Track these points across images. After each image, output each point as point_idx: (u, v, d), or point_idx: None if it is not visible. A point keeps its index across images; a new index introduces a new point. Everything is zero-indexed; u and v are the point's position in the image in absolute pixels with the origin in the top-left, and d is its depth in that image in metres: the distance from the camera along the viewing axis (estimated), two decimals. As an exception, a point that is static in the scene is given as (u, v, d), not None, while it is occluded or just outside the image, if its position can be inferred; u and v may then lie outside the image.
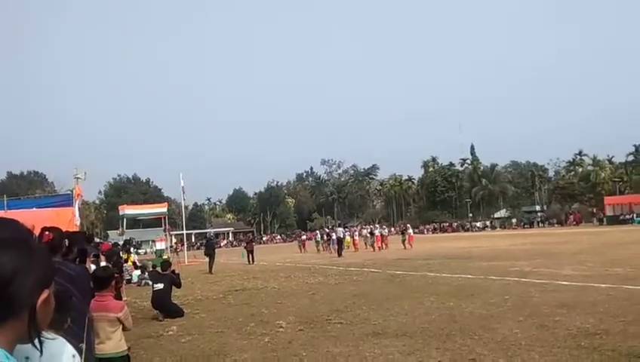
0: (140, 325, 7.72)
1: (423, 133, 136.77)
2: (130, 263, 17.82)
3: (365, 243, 28.66)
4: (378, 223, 61.79)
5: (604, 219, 48.28)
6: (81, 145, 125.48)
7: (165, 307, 8.82)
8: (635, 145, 67.24)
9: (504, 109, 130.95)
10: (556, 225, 56.83)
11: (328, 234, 29.51)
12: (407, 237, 27.43)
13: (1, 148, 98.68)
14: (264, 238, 78.24)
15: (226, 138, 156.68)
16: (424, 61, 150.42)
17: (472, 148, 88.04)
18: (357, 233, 30.91)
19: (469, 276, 11.79)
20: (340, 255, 23.58)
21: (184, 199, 31.91)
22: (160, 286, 9.01)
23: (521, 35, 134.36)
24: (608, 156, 71.67)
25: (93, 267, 4.98)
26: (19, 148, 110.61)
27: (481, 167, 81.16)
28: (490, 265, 14.21)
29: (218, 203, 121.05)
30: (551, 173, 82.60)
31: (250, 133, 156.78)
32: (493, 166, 79.48)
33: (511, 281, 10.41)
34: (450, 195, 79.89)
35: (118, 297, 5.18)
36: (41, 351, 0.86)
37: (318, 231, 35.42)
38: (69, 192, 12.98)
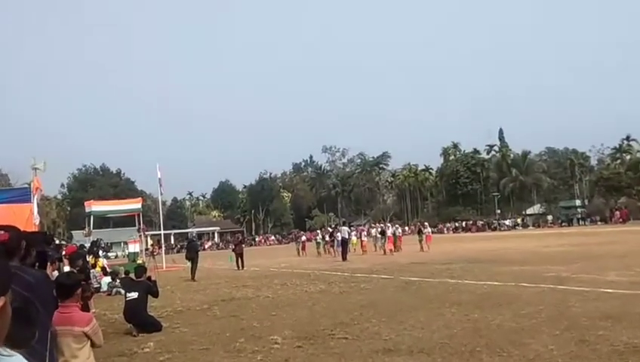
0: (110, 341, 7.76)
1: (443, 115, 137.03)
2: (98, 269, 17.87)
3: (375, 245, 28.71)
4: (390, 221, 61.92)
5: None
6: (40, 131, 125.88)
7: (140, 320, 8.86)
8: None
9: (538, 86, 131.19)
10: (599, 223, 56.91)
11: (331, 235, 29.59)
12: (423, 237, 27.48)
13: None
14: (256, 239, 78.51)
15: (211, 123, 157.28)
16: (445, 28, 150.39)
17: (501, 132, 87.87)
18: (365, 233, 30.99)
19: (497, 283, 11.83)
20: (344, 259, 23.66)
21: (161, 193, 31.96)
22: (134, 295, 9.05)
23: (560, 12, 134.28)
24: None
25: (55, 273, 4.99)
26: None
27: (511, 155, 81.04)
28: (522, 270, 14.24)
29: (201, 198, 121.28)
30: (593, 162, 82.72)
31: (238, 117, 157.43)
32: (526, 153, 79.28)
33: (546, 289, 10.44)
34: (474, 188, 79.92)
35: (86, 308, 5.19)
36: None
37: (319, 231, 35.51)
38: (26, 186, 12.98)
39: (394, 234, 27.49)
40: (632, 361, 5.29)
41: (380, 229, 28.36)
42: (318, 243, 31.39)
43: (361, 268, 18.48)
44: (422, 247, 27.03)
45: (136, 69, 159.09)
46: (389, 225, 30.78)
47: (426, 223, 31.23)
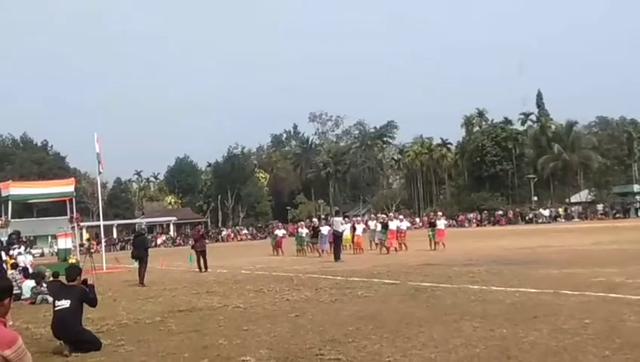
0: (34, 363, 7.72)
1: (464, 74, 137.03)
2: (16, 270, 17.74)
3: (372, 241, 28.77)
4: (395, 210, 62.23)
5: None
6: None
7: (73, 335, 8.82)
8: None
9: (587, 42, 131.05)
10: (663, 214, 57.56)
11: (315, 228, 29.55)
12: (436, 231, 27.63)
13: None
14: (223, 233, 78.68)
15: (165, 80, 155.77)
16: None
17: (539, 96, 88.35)
18: (362, 225, 31.02)
19: (532, 290, 11.91)
20: (337, 258, 23.72)
21: (101, 173, 31.66)
22: (65, 304, 8.99)
23: None
24: None
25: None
26: None
27: (553, 126, 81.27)
28: (564, 274, 14.36)
29: (153, 179, 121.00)
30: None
31: (199, 72, 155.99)
32: (571, 124, 79.40)
33: (593, 298, 10.54)
34: (504, 168, 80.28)
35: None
36: None
37: (303, 223, 35.54)
38: None
39: (398, 227, 27.65)
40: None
41: (381, 221, 28.39)
42: (300, 239, 31.22)
43: (359, 271, 18.48)
44: (433, 244, 27.22)
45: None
46: (393, 215, 30.91)
47: (440, 213, 31.28)
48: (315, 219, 36.71)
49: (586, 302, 10.15)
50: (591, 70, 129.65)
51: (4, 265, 17.57)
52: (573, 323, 8.38)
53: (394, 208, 75.27)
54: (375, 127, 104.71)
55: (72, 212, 29.30)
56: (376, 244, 28.02)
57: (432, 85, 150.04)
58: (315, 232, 29.45)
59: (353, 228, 28.67)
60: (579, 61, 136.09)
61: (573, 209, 68.51)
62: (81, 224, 46.04)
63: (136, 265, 20.01)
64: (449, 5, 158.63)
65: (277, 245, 32.70)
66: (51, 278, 15.08)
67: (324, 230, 27.37)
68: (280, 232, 34.82)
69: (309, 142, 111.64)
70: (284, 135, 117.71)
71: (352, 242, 28.49)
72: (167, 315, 11.77)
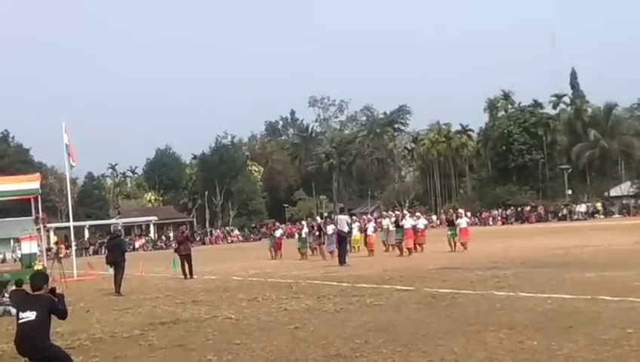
0: (-4, 383, 7.77)
1: (488, 50, 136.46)
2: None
3: (385, 243, 28.76)
4: (409, 208, 62.10)
5: None
6: None
7: (39, 351, 8.83)
8: None
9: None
10: None
11: (320, 227, 29.60)
12: (457, 231, 27.62)
13: None
14: (212, 234, 78.68)
15: (142, 59, 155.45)
16: None
17: (574, 75, 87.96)
18: (372, 224, 31.02)
19: (566, 296, 11.93)
20: (342, 262, 23.75)
21: (71, 167, 31.67)
22: (30, 316, 8.99)
23: None
24: None
25: None
26: None
27: (589, 110, 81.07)
28: (603, 278, 14.36)
29: (130, 174, 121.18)
30: None
31: (183, 49, 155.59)
32: (610, 107, 79.14)
33: (637, 304, 10.56)
34: (533, 158, 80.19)
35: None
36: None
37: (304, 223, 35.57)
38: None
39: (414, 226, 27.66)
40: None
41: (393, 219, 28.43)
42: (302, 240, 31.42)
43: (367, 276, 18.53)
44: (453, 246, 27.24)
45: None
46: (407, 212, 30.85)
47: (461, 211, 31.24)
48: (318, 218, 36.75)
49: (627, 309, 10.16)
50: (630, 45, 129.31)
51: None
52: (613, 333, 8.39)
53: (407, 204, 75.22)
54: (385, 113, 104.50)
55: (37, 212, 29.33)
56: (392, 246, 28.02)
57: (450, 63, 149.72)
58: (320, 232, 29.45)
59: (364, 228, 28.70)
60: (617, 36, 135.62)
61: (612, 203, 68.38)
62: (48, 225, 46.25)
63: (111, 271, 20.00)
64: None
65: (275, 247, 32.83)
66: (14, 287, 15.14)
67: (329, 229, 27.39)
68: (279, 233, 35.00)
69: (309, 131, 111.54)
70: (281, 122, 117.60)
71: (365, 243, 28.47)
72: (147, 328, 11.80)
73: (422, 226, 28.86)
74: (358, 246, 28.17)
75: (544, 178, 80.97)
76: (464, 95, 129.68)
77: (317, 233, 30.10)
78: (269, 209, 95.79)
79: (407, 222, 27.23)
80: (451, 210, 36.59)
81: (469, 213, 30.66)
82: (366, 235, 28.85)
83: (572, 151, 75.80)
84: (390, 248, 28.35)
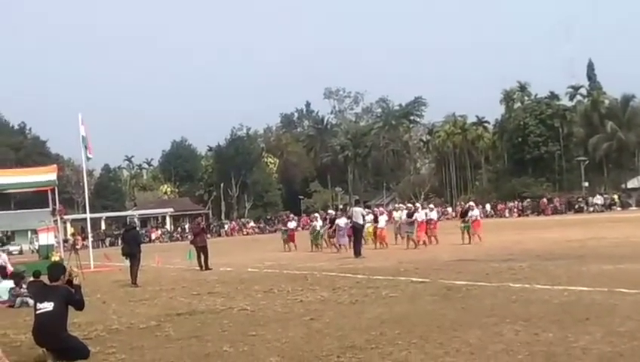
0: (14, 373, 7.81)
1: (504, 41, 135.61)
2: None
3: (398, 234, 28.73)
4: (424, 199, 62.06)
5: None
6: None
7: (57, 342, 8.89)
8: None
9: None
10: None
11: (332, 222, 29.55)
12: (469, 222, 27.59)
13: None
14: (227, 226, 78.96)
15: (159, 51, 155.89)
16: None
17: (591, 67, 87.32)
18: (386, 216, 30.98)
19: (582, 288, 11.86)
20: (357, 254, 23.76)
21: (87, 159, 31.79)
22: (48, 307, 9.05)
23: None
24: None
25: None
26: None
27: (606, 101, 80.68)
28: (619, 270, 14.27)
29: (146, 166, 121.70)
30: None
31: (198, 42, 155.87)
32: (628, 98, 78.85)
33: (654, 297, 10.50)
34: (549, 150, 79.83)
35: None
36: None
37: (317, 215, 35.59)
38: None
39: (428, 218, 27.66)
40: None
41: (408, 211, 28.37)
42: (316, 233, 31.42)
43: (383, 268, 18.52)
44: (467, 237, 27.26)
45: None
46: (421, 204, 30.83)
47: (472, 203, 31.19)
48: (330, 211, 36.68)
49: (645, 302, 10.11)
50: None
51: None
52: (630, 326, 8.34)
53: (422, 196, 75.02)
54: (400, 105, 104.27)
55: (54, 203, 29.53)
56: (404, 238, 28.00)
57: (466, 54, 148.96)
58: (332, 224, 29.42)
59: (375, 220, 28.66)
60: (635, 26, 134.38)
61: (630, 196, 67.91)
62: (65, 217, 46.55)
63: (127, 262, 20.10)
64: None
65: (289, 239, 32.92)
66: (32, 278, 15.26)
67: (341, 222, 27.36)
68: (292, 225, 34.97)
69: (325, 123, 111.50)
70: (296, 114, 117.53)
71: (374, 236, 28.45)
72: (163, 319, 11.84)
73: (434, 218, 28.85)
74: (372, 239, 28.15)
75: (560, 170, 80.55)
76: (480, 87, 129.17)
77: (328, 225, 30.15)
78: (284, 201, 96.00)
79: (420, 214, 27.23)
80: (465, 202, 36.54)
81: (480, 206, 30.47)
82: (375, 228, 28.78)
83: (589, 143, 75.69)
84: (402, 240, 28.32)
